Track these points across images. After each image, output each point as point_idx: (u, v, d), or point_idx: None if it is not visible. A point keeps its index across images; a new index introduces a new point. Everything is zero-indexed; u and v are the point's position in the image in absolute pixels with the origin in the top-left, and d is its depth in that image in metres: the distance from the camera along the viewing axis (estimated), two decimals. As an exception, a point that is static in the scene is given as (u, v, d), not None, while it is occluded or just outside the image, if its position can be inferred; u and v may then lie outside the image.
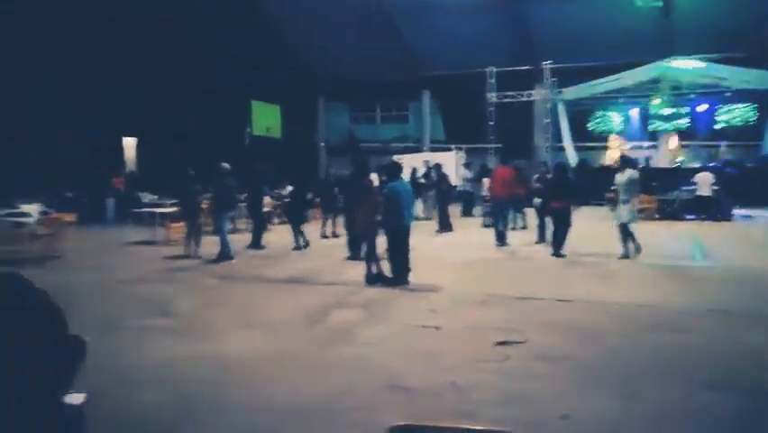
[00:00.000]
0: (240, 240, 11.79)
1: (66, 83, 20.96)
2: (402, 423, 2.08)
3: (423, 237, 12.88)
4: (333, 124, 28.69)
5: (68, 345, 2.71)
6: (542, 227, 11.71)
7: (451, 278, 8.57)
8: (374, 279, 7.99)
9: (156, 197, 16.77)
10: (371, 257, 8.09)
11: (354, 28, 23.01)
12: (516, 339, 5.53)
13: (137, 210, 14.34)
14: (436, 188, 15.15)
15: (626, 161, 10.81)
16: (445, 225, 14.05)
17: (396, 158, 20.06)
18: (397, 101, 28.25)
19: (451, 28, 22.37)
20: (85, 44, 18.83)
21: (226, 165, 10.54)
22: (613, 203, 11.21)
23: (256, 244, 11.63)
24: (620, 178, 9.95)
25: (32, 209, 11.31)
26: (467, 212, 17.83)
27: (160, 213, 12.91)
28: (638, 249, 9.72)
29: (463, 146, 23.77)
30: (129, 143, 26.04)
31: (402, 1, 22.12)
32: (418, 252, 8.93)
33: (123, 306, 7.04)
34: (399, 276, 8.01)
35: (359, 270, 8.34)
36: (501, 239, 11.36)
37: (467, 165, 18.99)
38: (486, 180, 16.32)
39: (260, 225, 11.99)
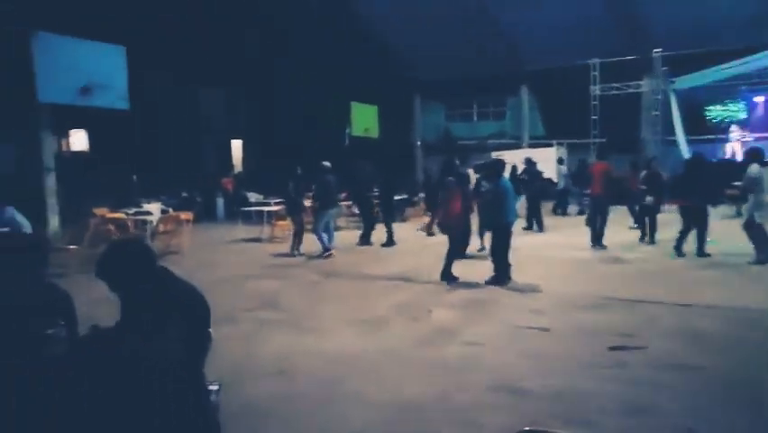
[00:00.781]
0: (343, 237, 12.09)
1: (181, 88, 22.48)
2: (531, 428, 2.01)
3: (519, 236, 12.57)
4: (430, 122, 28.67)
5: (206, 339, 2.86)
6: (651, 226, 11.05)
7: (554, 278, 8.27)
8: (449, 276, 8.01)
9: (261, 196, 17.56)
10: (451, 256, 8.09)
11: (450, 25, 22.82)
12: (633, 345, 5.23)
13: (245, 209, 15.09)
14: (526, 185, 14.56)
15: (752, 153, 9.63)
16: (537, 224, 13.61)
17: (495, 155, 19.73)
18: (494, 97, 27.72)
19: (551, 19, 21.58)
20: (199, 50, 20.03)
21: (327, 163, 10.89)
22: (736, 200, 10.25)
23: (365, 240, 11.92)
24: (752, 172, 8.98)
25: (154, 208, 12.22)
26: (562, 210, 17.14)
27: (267, 211, 13.48)
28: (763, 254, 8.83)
29: (564, 141, 22.91)
30: (236, 145, 27.54)
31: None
32: (518, 251, 8.69)
33: (236, 299, 7.40)
34: (503, 275, 7.86)
35: (460, 269, 8.25)
36: (597, 240, 10.67)
37: (560, 160, 18.26)
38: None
39: (369, 222, 12.22)
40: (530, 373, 4.66)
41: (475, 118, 28.63)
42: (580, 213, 15.53)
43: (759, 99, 22.44)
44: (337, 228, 14.81)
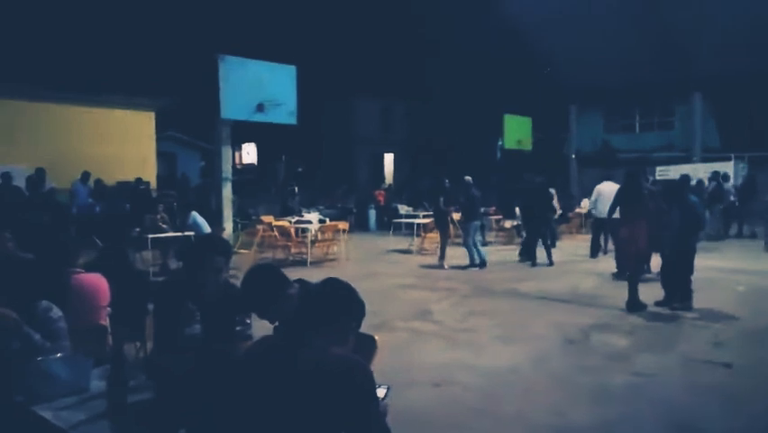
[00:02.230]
0: (496, 252, 11.92)
1: (338, 102, 23.77)
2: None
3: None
4: (586, 133, 27.27)
5: (366, 341, 2.96)
6: None
7: (736, 307, 7.39)
8: (638, 306, 7.24)
9: (411, 209, 17.92)
10: (635, 281, 7.38)
11: (612, 26, 21.55)
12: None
13: (396, 220, 15.49)
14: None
15: None
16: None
17: (660, 169, 18.26)
18: (660, 106, 25.64)
19: (730, 17, 19.46)
20: (355, 66, 21.06)
21: (469, 178, 11.05)
22: None
23: (528, 255, 11.51)
24: None
25: (313, 217, 13.01)
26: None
27: (417, 224, 13.72)
28: None
29: (745, 155, 20.47)
30: (388, 159, 28.48)
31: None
32: (696, 274, 7.89)
33: (392, 308, 7.59)
34: (686, 299, 7.21)
35: (624, 292, 7.69)
36: None
37: (725, 177, 16.03)
38: None
39: (531, 237, 11.84)
40: (711, 412, 4.20)
41: (637, 129, 26.75)
42: (752, 236, 13.78)
43: None
44: (488, 243, 14.69)
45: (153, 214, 10.63)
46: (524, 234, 12.45)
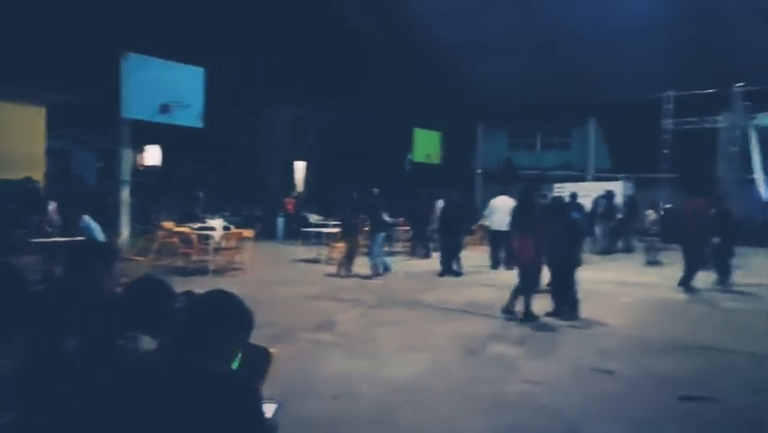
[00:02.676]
0: (404, 263, 12.07)
1: (249, 108, 23.28)
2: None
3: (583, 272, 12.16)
4: (492, 150, 28.43)
5: (259, 354, 2.82)
6: (721, 270, 10.46)
7: (620, 317, 7.94)
8: (530, 316, 7.55)
9: (321, 217, 17.80)
10: (528, 293, 7.73)
11: (518, 54, 22.73)
12: (705, 395, 4.91)
13: (305, 229, 15.32)
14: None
15: None
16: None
17: (558, 186, 19.32)
18: (559, 127, 27.27)
19: (624, 51, 21.15)
20: (268, 72, 20.75)
21: (376, 190, 11.46)
22: None
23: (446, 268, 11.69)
24: None
25: (217, 224, 12.58)
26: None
27: (326, 233, 13.65)
28: None
29: (632, 176, 22.17)
30: (299, 167, 28.19)
31: (571, 24, 21.42)
32: (581, 287, 8.39)
33: (294, 318, 7.47)
34: (573, 309, 7.64)
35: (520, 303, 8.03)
36: (685, 282, 10.20)
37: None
38: (650, 212, 15.04)
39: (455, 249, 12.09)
40: (596, 417, 4.45)
41: (539, 148, 28.23)
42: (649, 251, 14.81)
43: None
44: (394, 254, 14.88)
45: (41, 215, 9.86)
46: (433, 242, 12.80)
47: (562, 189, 19.49)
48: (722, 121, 20.72)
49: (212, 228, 12.01)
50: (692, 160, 21.08)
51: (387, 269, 11.14)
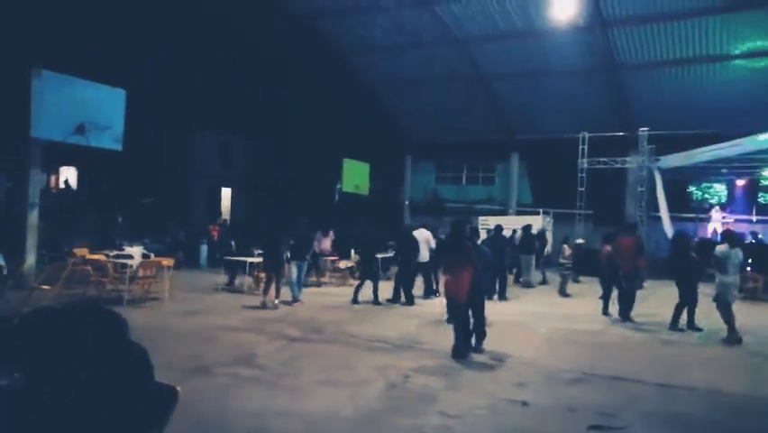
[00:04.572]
0: (335, 293, 11.96)
1: (175, 132, 22.67)
2: None
3: (504, 305, 12.53)
4: (419, 182, 29.03)
5: (158, 394, 2.62)
6: (624, 301, 11.12)
7: (538, 348, 8.20)
8: (461, 352, 7.48)
9: (246, 246, 17.40)
10: (465, 328, 7.78)
11: (446, 90, 23.51)
12: (613, 425, 5.12)
13: (228, 258, 14.92)
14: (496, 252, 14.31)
15: (724, 235, 10.12)
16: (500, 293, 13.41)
17: (482, 219, 19.89)
18: (484, 162, 28.26)
19: (545, 93, 22.35)
20: (195, 97, 20.35)
21: (303, 219, 11.72)
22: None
23: (374, 299, 11.88)
24: (721, 252, 9.39)
25: (135, 252, 12.05)
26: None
27: (250, 262, 13.36)
28: (733, 333, 9.07)
29: (551, 211, 23.24)
30: (225, 194, 27.59)
31: (497, 66, 22.44)
32: (499, 318, 8.64)
33: (212, 351, 7.22)
34: (480, 340, 7.85)
35: (449, 336, 8.09)
36: (626, 312, 10.78)
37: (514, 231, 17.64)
38: (566, 247, 15.77)
39: (374, 280, 12.19)
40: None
41: (464, 182, 29.04)
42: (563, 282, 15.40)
43: (740, 183, 23.09)
44: (321, 284, 14.77)
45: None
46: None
47: (486, 222, 20.12)
48: (630, 162, 22.19)
49: (129, 256, 11.49)
50: (605, 197, 22.38)
51: (296, 299, 11.33)
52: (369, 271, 12.32)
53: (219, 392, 5.62)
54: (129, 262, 10.96)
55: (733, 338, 9.05)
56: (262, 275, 12.28)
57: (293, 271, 11.44)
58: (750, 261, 16.18)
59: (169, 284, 11.42)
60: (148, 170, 21.81)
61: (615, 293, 11.22)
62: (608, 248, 11.63)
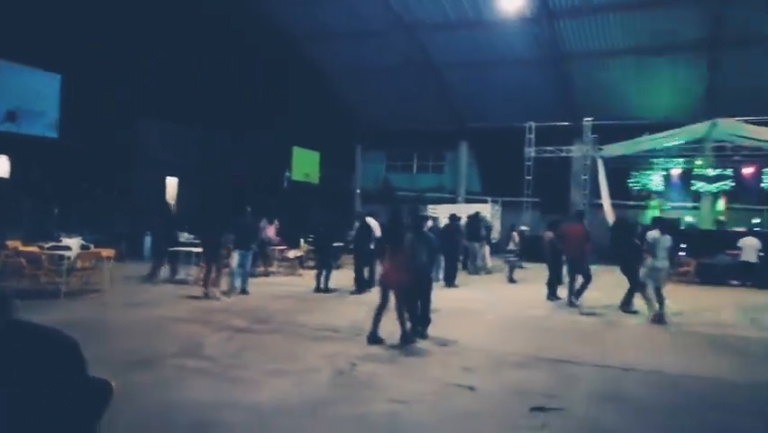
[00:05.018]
0: (280, 283, 11.83)
1: (116, 119, 21.83)
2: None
3: (453, 291, 12.73)
4: (370, 171, 29.03)
5: (90, 389, 2.48)
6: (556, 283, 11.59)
7: (485, 334, 8.36)
8: (406, 338, 7.57)
9: (192, 236, 17.00)
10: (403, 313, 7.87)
11: (397, 79, 23.51)
12: (554, 406, 5.28)
13: (173, 249, 14.54)
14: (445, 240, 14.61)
15: (656, 222, 10.51)
16: (449, 279, 13.72)
17: (431, 207, 20.06)
18: (434, 151, 28.49)
19: (493, 82, 22.67)
20: (140, 84, 19.64)
21: (248, 208, 11.57)
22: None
23: (325, 287, 12.01)
24: (651, 237, 9.79)
25: (73, 243, 11.56)
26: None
27: (196, 253, 13.05)
28: (657, 312, 9.59)
29: (499, 199, 23.68)
30: (171, 183, 26.79)
31: (447, 55, 22.58)
32: (446, 305, 8.76)
33: (156, 343, 7.03)
34: (426, 326, 7.92)
35: (392, 322, 8.17)
36: (577, 296, 11.08)
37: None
38: (515, 234, 16.10)
39: (326, 268, 12.21)
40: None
41: (415, 170, 29.22)
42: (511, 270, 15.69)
43: (675, 172, 24.12)
44: (270, 274, 14.60)
45: None
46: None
47: (436, 211, 20.33)
48: (575, 151, 22.83)
49: (66, 247, 11.02)
50: (551, 185, 22.97)
51: (244, 290, 11.17)
52: (322, 259, 12.42)
53: (163, 385, 5.48)
54: (66, 253, 10.51)
55: (658, 318, 9.54)
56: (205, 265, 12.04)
57: (235, 260, 11.20)
58: (684, 246, 16.97)
59: (110, 276, 11.05)
60: (88, 159, 20.94)
61: (567, 280, 11.50)
62: (550, 234, 11.96)
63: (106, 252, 11.15)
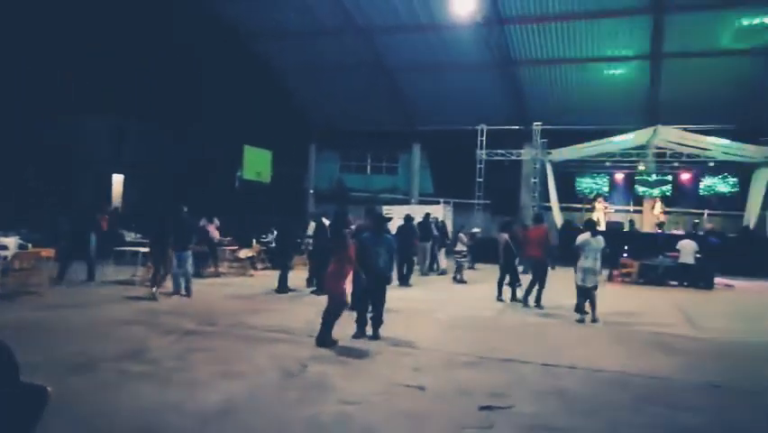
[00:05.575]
0: (228, 284, 11.59)
1: (58, 114, 20.97)
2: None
3: (404, 291, 12.80)
4: (324, 171, 28.89)
5: (23, 395, 2.39)
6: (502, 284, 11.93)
7: (435, 334, 8.43)
8: (327, 340, 7.45)
9: (139, 235, 16.51)
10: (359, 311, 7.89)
11: (350, 79, 23.49)
12: (502, 405, 5.37)
13: (119, 248, 14.08)
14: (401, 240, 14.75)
15: (588, 225, 10.60)
16: (404, 279, 13.85)
17: (386, 208, 20.11)
18: (387, 153, 28.60)
19: (445, 85, 22.93)
20: (85, 80, 18.95)
21: (184, 207, 11.14)
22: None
23: (282, 287, 11.82)
24: (581, 239, 9.95)
25: (10, 242, 11.03)
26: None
27: (142, 253, 12.68)
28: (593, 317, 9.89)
29: (451, 201, 23.97)
30: (117, 180, 25.93)
31: (400, 57, 22.69)
32: (397, 305, 8.80)
33: (98, 346, 6.78)
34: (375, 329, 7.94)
35: (346, 323, 8.15)
36: (537, 300, 11.27)
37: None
38: (462, 236, 16.31)
39: (285, 269, 12.07)
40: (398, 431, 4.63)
41: (369, 171, 29.25)
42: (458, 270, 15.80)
43: (619, 176, 25.00)
44: (221, 274, 14.31)
45: None
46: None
47: (390, 212, 20.40)
48: (525, 154, 23.36)
49: (3, 247, 10.51)
50: (501, 188, 23.42)
51: (188, 291, 10.80)
52: (283, 259, 12.32)
53: (104, 390, 5.29)
54: (2, 253, 10.03)
55: (580, 317, 9.86)
56: (150, 265, 11.74)
57: (173, 261, 10.82)
58: (626, 248, 17.61)
59: (50, 276, 10.60)
60: (23, 156, 20.03)
61: (527, 282, 11.70)
62: (505, 236, 12.16)
63: (46, 251, 10.70)
